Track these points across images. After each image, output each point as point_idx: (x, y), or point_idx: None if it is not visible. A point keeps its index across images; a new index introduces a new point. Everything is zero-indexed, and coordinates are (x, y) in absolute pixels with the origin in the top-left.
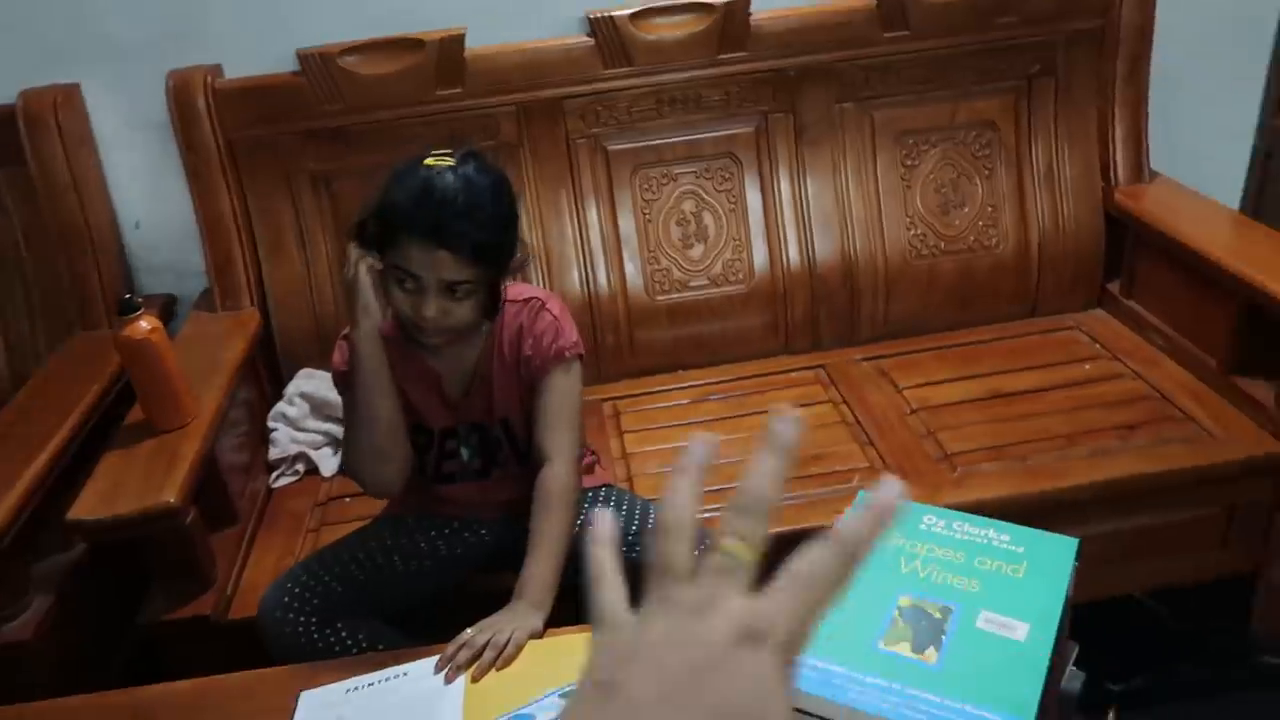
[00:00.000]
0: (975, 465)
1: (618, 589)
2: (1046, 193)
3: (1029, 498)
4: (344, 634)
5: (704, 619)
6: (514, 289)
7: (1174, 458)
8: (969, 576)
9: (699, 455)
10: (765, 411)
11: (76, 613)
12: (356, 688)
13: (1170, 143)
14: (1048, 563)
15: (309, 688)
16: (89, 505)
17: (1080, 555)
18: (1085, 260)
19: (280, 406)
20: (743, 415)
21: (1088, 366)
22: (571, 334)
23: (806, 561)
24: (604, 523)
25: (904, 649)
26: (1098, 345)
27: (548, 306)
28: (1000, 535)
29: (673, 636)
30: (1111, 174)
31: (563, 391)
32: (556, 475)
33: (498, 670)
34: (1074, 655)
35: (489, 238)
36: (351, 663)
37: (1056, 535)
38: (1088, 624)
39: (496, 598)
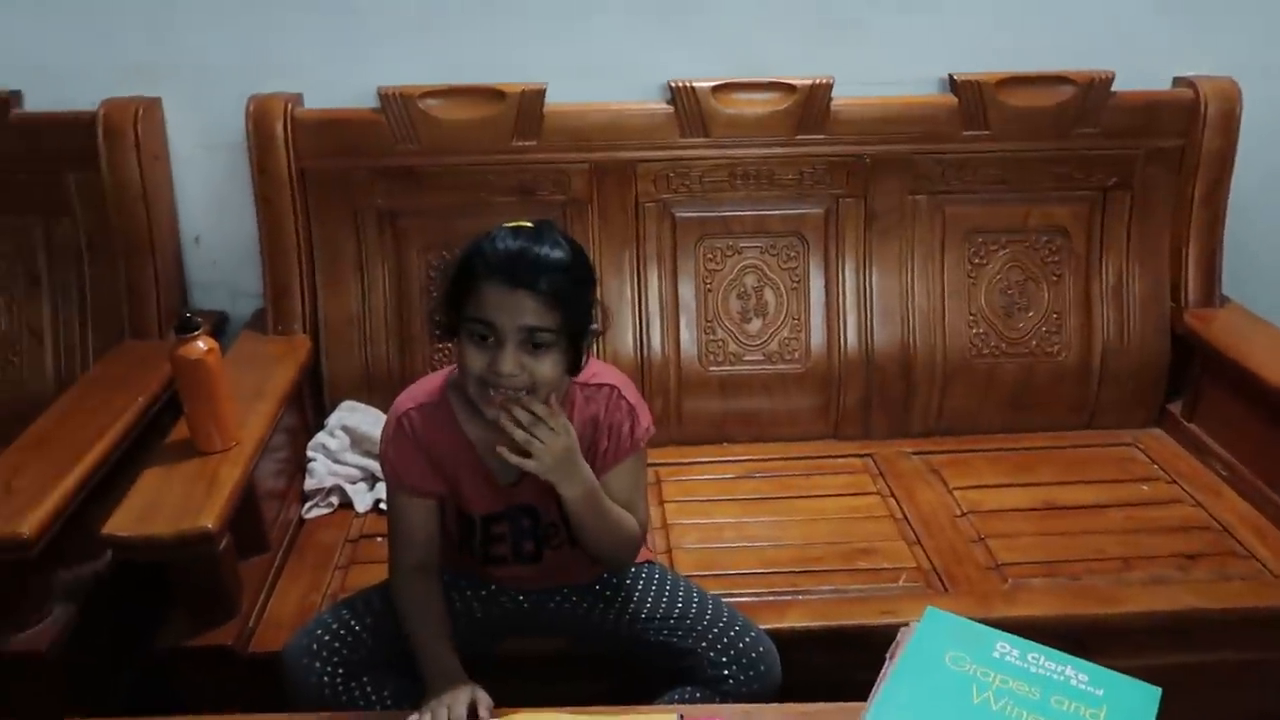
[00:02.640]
0: (1026, 579)
1: None
2: (1113, 306)
3: (1082, 620)
4: (369, 689)
5: None
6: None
7: (1236, 596)
8: (1044, 716)
9: None
10: (809, 496)
11: (93, 627)
12: None
13: (1241, 269)
14: (1127, 711)
15: None
16: (124, 522)
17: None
18: (1148, 378)
19: (321, 437)
20: (786, 497)
21: (1145, 488)
22: (646, 418)
23: None
24: None
25: None
26: (1156, 466)
27: (624, 395)
28: (1079, 675)
29: None
30: (1182, 295)
31: (634, 474)
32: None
33: None
34: None
35: (569, 283)
36: (375, 719)
37: (1139, 682)
38: None
39: (532, 664)
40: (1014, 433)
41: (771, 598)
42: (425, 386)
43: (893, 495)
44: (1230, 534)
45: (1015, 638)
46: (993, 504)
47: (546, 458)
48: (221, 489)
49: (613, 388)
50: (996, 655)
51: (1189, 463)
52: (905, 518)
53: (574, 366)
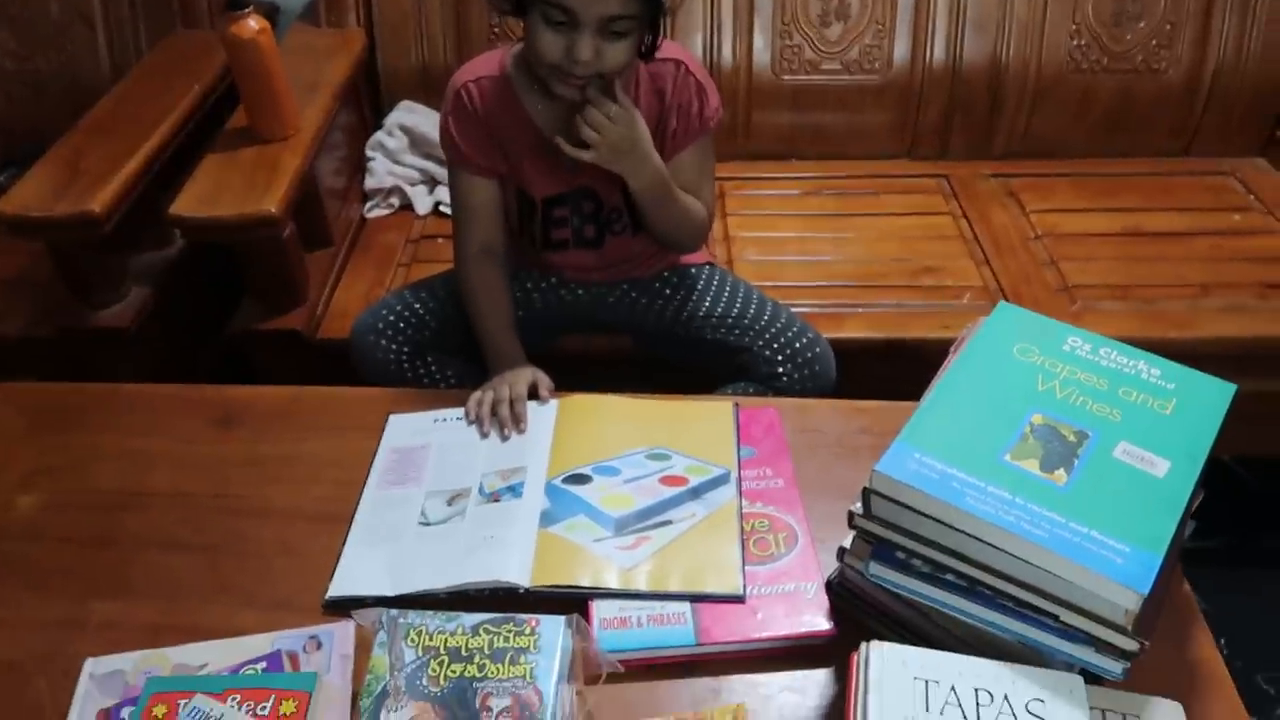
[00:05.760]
0: (1096, 301)
1: None
2: (1237, 16)
3: (1149, 342)
4: (433, 368)
5: None
6: None
7: None
8: (1111, 405)
9: None
10: (877, 214)
11: (171, 309)
12: (445, 419)
13: None
14: (1199, 404)
15: (397, 411)
16: (190, 203)
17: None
18: (1260, 101)
19: (379, 136)
20: (852, 215)
21: (1237, 217)
22: (715, 97)
23: None
24: None
25: (1031, 465)
26: (1252, 196)
27: (691, 71)
28: (1151, 369)
29: None
30: None
31: (703, 157)
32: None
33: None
34: (1197, 503)
35: None
36: (440, 394)
37: (1213, 378)
38: None
39: (592, 362)
40: (1103, 158)
41: (832, 309)
42: (484, 61)
43: (965, 216)
44: None
45: (1089, 333)
46: (1070, 228)
47: (604, 150)
48: (283, 175)
49: (678, 63)
50: (1067, 348)
51: None
52: (976, 238)
53: (649, 51)
